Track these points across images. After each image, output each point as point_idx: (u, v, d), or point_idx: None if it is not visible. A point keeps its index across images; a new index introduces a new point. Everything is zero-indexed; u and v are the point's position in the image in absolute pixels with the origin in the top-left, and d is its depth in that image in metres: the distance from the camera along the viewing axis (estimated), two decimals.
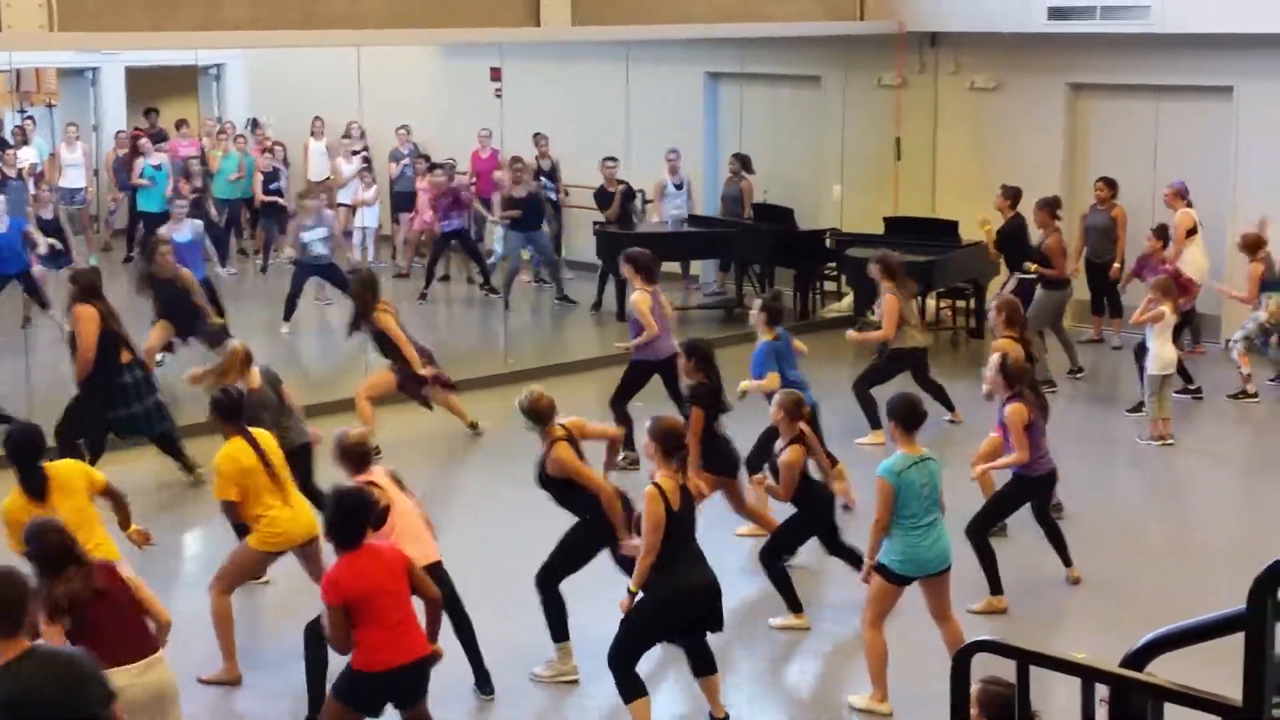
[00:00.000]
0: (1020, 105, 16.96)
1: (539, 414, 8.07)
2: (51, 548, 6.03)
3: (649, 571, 7.14)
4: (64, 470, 7.65)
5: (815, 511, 8.97)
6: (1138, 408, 13.11)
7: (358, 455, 7.57)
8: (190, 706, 8.01)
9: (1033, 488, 9.33)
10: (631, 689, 7.30)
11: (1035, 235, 14.46)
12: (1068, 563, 9.51)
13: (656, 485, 7.14)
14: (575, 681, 8.15)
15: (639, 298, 11.66)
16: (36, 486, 7.43)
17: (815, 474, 9.09)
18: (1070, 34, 16.19)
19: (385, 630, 6.40)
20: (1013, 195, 14.84)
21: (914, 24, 17.17)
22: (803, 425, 8.89)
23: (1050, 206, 14.28)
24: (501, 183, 18.37)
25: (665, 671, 8.19)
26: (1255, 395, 13.79)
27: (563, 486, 8.10)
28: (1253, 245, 13.77)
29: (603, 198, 18.09)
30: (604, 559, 8.22)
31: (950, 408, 12.93)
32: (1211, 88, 15.63)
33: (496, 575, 9.16)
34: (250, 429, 8.29)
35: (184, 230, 14.79)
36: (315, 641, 7.36)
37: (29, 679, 4.86)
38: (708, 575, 7.30)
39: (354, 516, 6.47)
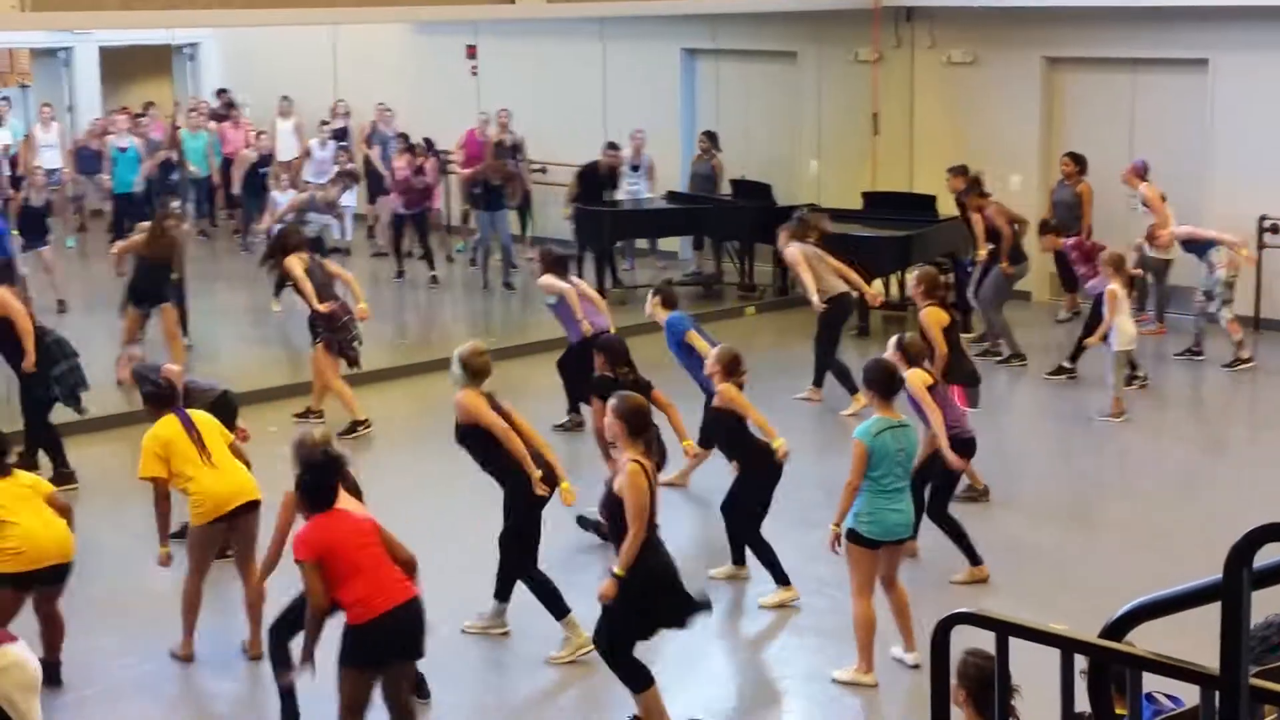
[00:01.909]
0: (996, 79, 16.98)
1: (473, 370, 8.07)
2: None
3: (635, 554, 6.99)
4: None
5: (762, 476, 8.99)
6: (1058, 371, 13.42)
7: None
8: (171, 686, 8.06)
9: (962, 450, 9.26)
10: (638, 679, 7.20)
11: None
12: (975, 561, 9.25)
13: (638, 462, 6.97)
14: (591, 650, 8.05)
15: (549, 278, 11.78)
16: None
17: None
18: (1045, 8, 16.20)
19: (366, 577, 6.42)
20: (963, 172, 15.01)
21: None
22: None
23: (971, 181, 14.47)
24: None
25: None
26: (1250, 360, 13.86)
27: (478, 442, 8.05)
28: None
29: (592, 178, 17.90)
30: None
31: (818, 384, 12.92)
32: (1186, 60, 15.66)
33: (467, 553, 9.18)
34: (186, 410, 8.31)
35: None
36: (280, 644, 7.34)
37: None
38: (670, 561, 7.21)
39: (322, 475, 6.46)
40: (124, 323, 13.43)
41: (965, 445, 9.25)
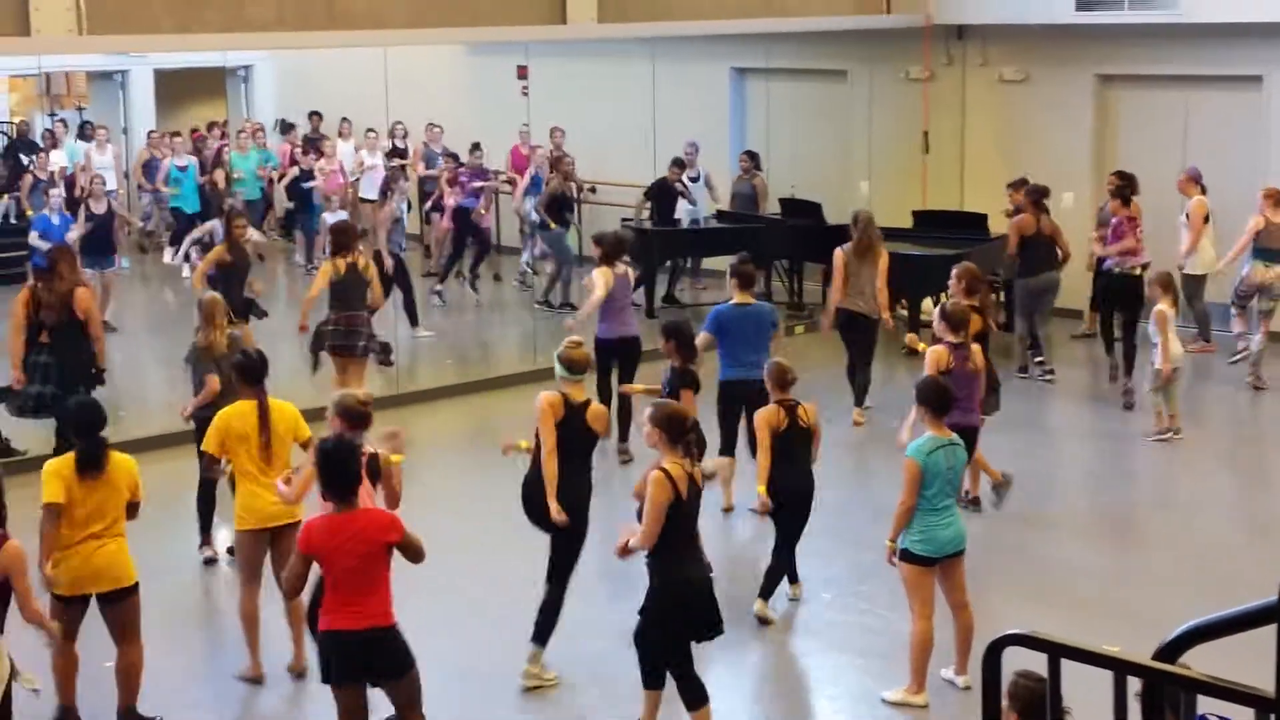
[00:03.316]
0: (1048, 97, 16.90)
1: (564, 361, 8.11)
2: None
3: (648, 556, 7.09)
4: (121, 461, 7.54)
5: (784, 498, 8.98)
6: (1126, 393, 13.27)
7: (356, 415, 7.33)
8: (225, 708, 8.10)
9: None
10: (648, 678, 7.29)
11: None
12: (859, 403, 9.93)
13: (664, 470, 7.02)
14: (548, 686, 8.08)
15: (601, 271, 11.93)
16: (95, 460, 7.35)
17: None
18: (1098, 25, 16.11)
19: (340, 596, 6.37)
20: (1023, 186, 15.01)
21: (941, 16, 17.12)
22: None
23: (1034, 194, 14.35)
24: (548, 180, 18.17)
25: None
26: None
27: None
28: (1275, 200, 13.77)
29: (663, 195, 17.88)
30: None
31: (858, 402, 12.92)
32: (1240, 77, 15.55)
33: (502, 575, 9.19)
34: (271, 399, 8.25)
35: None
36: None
37: None
38: (704, 570, 7.28)
39: (339, 466, 6.34)
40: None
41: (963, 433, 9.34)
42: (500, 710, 7.92)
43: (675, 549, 7.05)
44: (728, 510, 10.65)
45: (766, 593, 9.00)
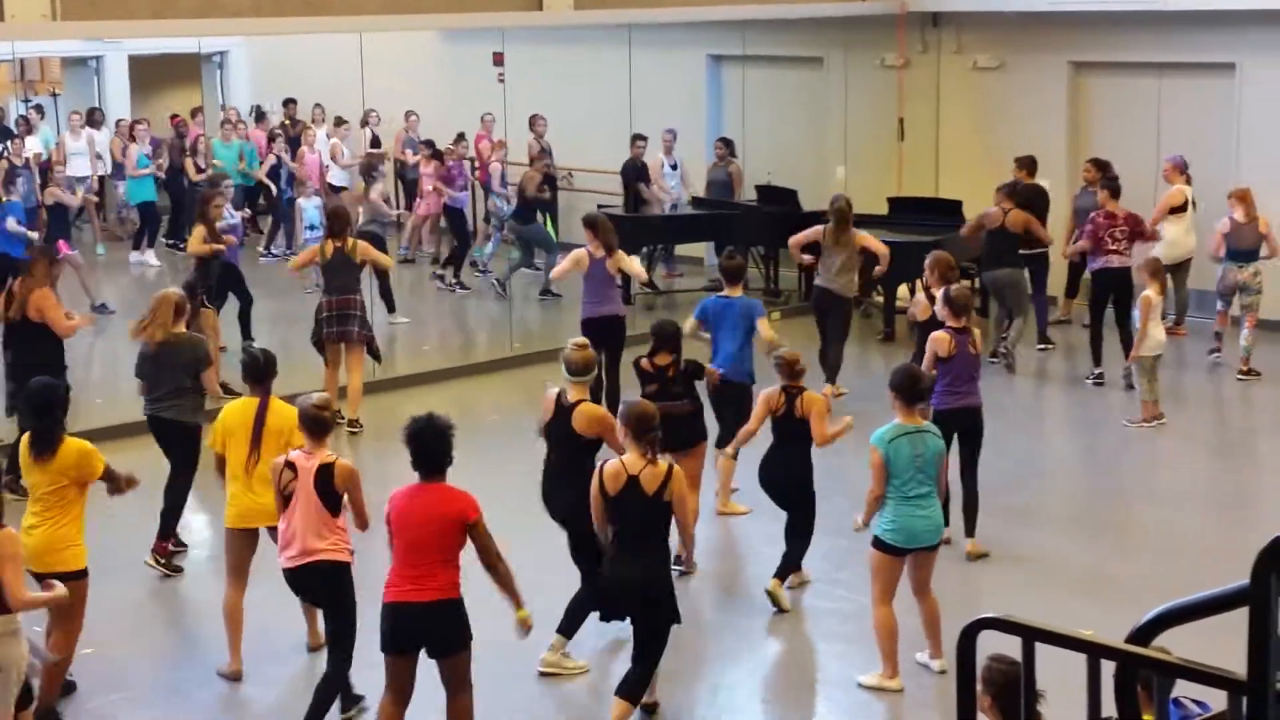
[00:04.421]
0: (1023, 84, 16.94)
1: (569, 364, 8.17)
2: None
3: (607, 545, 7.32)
4: (72, 448, 7.49)
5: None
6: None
7: (315, 423, 7.30)
8: (201, 693, 8.10)
9: (948, 422, 9.25)
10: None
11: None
12: (969, 532, 9.63)
13: (601, 467, 7.20)
14: (569, 674, 8.13)
15: (580, 252, 12.11)
16: (43, 441, 7.42)
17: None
18: (1072, 12, 16.17)
19: (400, 569, 6.62)
20: (1028, 165, 15.02)
21: (916, 4, 17.16)
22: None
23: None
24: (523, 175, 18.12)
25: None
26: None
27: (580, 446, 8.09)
28: (1242, 201, 13.84)
29: (633, 174, 17.96)
30: None
31: (830, 380, 12.94)
32: (1214, 64, 15.61)
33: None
34: (274, 399, 8.19)
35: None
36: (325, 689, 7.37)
37: None
38: (634, 571, 7.13)
39: (430, 443, 6.62)
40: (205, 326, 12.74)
41: (957, 414, 9.51)
42: (494, 703, 7.94)
43: (615, 542, 7.19)
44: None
45: (781, 575, 9.00)
